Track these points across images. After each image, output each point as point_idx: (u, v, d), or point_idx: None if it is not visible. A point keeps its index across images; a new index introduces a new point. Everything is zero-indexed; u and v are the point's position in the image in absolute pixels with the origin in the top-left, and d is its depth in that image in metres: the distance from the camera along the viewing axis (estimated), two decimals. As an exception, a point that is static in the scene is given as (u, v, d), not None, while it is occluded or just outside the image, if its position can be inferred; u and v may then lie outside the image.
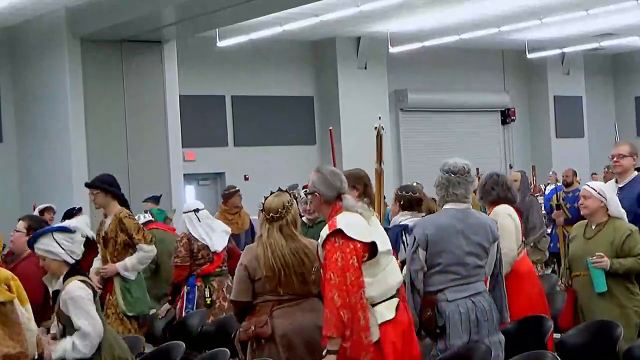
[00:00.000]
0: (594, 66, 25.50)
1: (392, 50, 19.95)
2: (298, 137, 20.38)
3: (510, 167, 23.83)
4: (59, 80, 15.40)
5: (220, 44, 17.74)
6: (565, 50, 23.04)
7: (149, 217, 10.46)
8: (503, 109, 23.99)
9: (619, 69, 26.39)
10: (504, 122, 24.12)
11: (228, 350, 6.31)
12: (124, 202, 8.45)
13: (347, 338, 5.21)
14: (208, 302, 8.75)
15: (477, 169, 14.17)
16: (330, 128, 11.41)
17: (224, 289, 8.85)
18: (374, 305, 5.33)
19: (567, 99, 24.48)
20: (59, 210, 11.48)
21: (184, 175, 16.74)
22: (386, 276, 5.39)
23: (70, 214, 9.92)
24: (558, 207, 12.73)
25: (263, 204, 6.04)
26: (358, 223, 5.40)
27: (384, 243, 5.46)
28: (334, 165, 9.84)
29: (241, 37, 17.71)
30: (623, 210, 7.03)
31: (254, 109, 19.89)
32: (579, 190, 12.97)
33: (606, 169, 14.10)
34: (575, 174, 15.50)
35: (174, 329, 8.46)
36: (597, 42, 22.18)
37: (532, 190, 15.94)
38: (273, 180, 11.44)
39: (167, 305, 8.97)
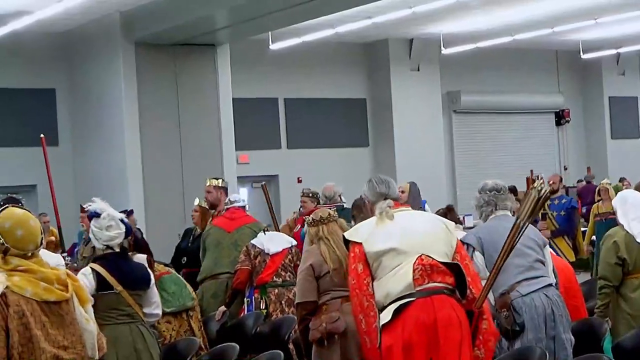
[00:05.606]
0: (649, 66, 25.20)
1: (444, 51, 19.85)
2: (351, 140, 20.36)
3: (565, 168, 23.61)
4: (113, 84, 15.54)
5: (273, 46, 17.77)
6: (621, 50, 22.79)
7: None
8: (557, 110, 23.75)
9: (675, 69, 26.02)
10: (558, 124, 23.88)
11: (282, 353, 6.32)
12: None
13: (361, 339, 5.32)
14: (263, 313, 8.74)
15: (531, 171, 14.05)
16: (263, 183, 11.35)
17: (283, 302, 8.82)
18: (381, 309, 5.24)
19: (622, 100, 24.21)
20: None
21: (237, 177, 16.78)
22: (388, 280, 5.24)
23: None
24: (544, 216, 11.30)
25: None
26: (364, 224, 5.47)
27: (388, 240, 5.28)
28: (273, 219, 10.18)
29: (294, 39, 17.74)
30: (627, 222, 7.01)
31: (306, 111, 19.90)
32: (565, 198, 12.47)
33: None
34: (561, 180, 14.70)
35: (228, 331, 8.49)
36: (653, 41, 21.94)
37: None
38: (326, 182, 11.36)
39: (222, 308, 8.98)
